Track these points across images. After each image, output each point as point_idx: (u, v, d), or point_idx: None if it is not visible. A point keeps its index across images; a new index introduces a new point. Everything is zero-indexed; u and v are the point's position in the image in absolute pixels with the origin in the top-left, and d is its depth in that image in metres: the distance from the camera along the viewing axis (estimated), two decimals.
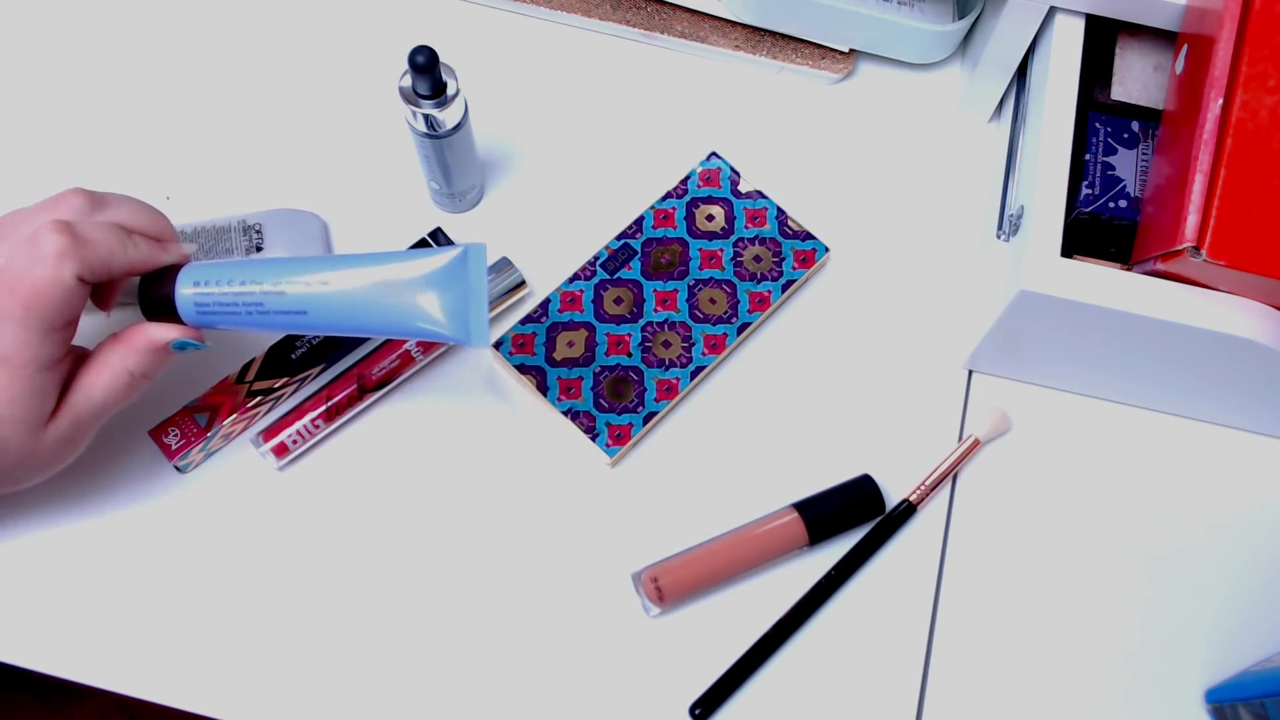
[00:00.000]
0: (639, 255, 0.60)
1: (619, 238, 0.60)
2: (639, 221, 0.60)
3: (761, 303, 0.59)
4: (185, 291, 0.46)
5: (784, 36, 0.66)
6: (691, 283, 0.59)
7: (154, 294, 0.46)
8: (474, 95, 0.65)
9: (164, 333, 0.46)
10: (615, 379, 0.57)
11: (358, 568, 0.54)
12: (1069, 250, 0.55)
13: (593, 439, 0.56)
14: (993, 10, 0.59)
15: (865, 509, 0.55)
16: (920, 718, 0.53)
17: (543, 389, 0.56)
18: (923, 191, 0.64)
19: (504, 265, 0.58)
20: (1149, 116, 0.57)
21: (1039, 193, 0.53)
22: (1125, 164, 0.56)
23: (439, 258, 0.45)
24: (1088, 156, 0.56)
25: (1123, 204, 0.55)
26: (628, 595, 0.54)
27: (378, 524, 0.55)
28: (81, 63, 0.64)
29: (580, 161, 0.64)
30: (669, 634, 0.54)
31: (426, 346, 0.57)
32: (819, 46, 0.66)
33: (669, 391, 0.57)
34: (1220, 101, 0.49)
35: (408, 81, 0.52)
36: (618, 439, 0.56)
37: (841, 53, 0.66)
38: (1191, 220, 0.48)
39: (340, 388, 0.55)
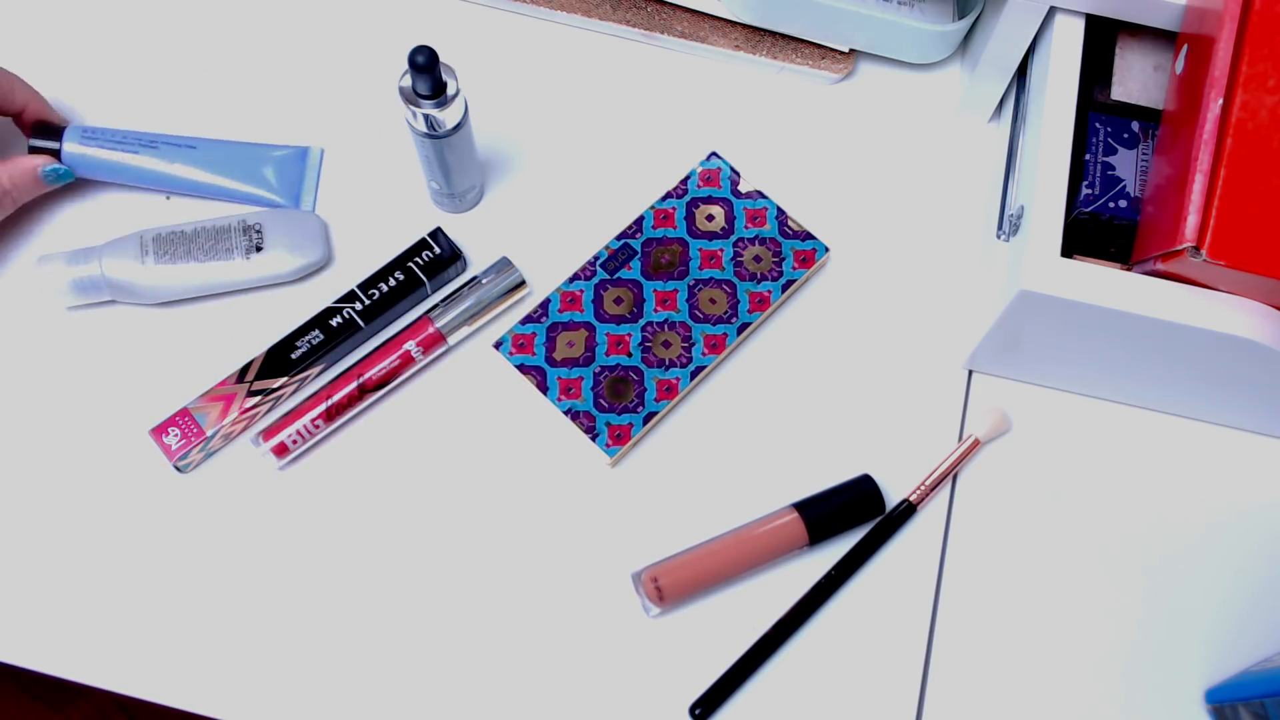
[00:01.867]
0: (639, 255, 0.60)
1: (619, 238, 0.60)
2: (639, 221, 0.60)
3: (761, 303, 0.59)
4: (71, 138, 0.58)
5: (784, 36, 0.66)
6: (691, 283, 0.59)
7: (43, 127, 0.58)
8: (474, 95, 0.65)
9: (40, 158, 0.56)
10: (615, 379, 0.57)
11: (358, 568, 0.54)
12: (1069, 250, 0.55)
13: (593, 439, 0.56)
14: (993, 10, 0.60)
15: (865, 509, 0.55)
16: (920, 718, 0.53)
17: (543, 389, 0.56)
18: (923, 191, 0.64)
19: (504, 265, 0.58)
20: (1149, 116, 0.57)
21: (1039, 193, 0.53)
22: (1125, 164, 0.56)
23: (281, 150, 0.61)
24: (1088, 156, 0.56)
25: (1123, 204, 0.55)
26: (628, 595, 0.54)
27: (378, 524, 0.55)
28: (83, 62, 0.64)
29: (580, 161, 0.64)
30: (669, 634, 0.54)
31: (426, 346, 0.57)
32: (819, 46, 0.66)
33: (669, 391, 0.57)
34: (1220, 101, 0.49)
35: (408, 81, 0.52)
36: (618, 439, 0.56)
37: (841, 53, 0.66)
38: (1191, 220, 0.48)
39: (340, 387, 0.55)
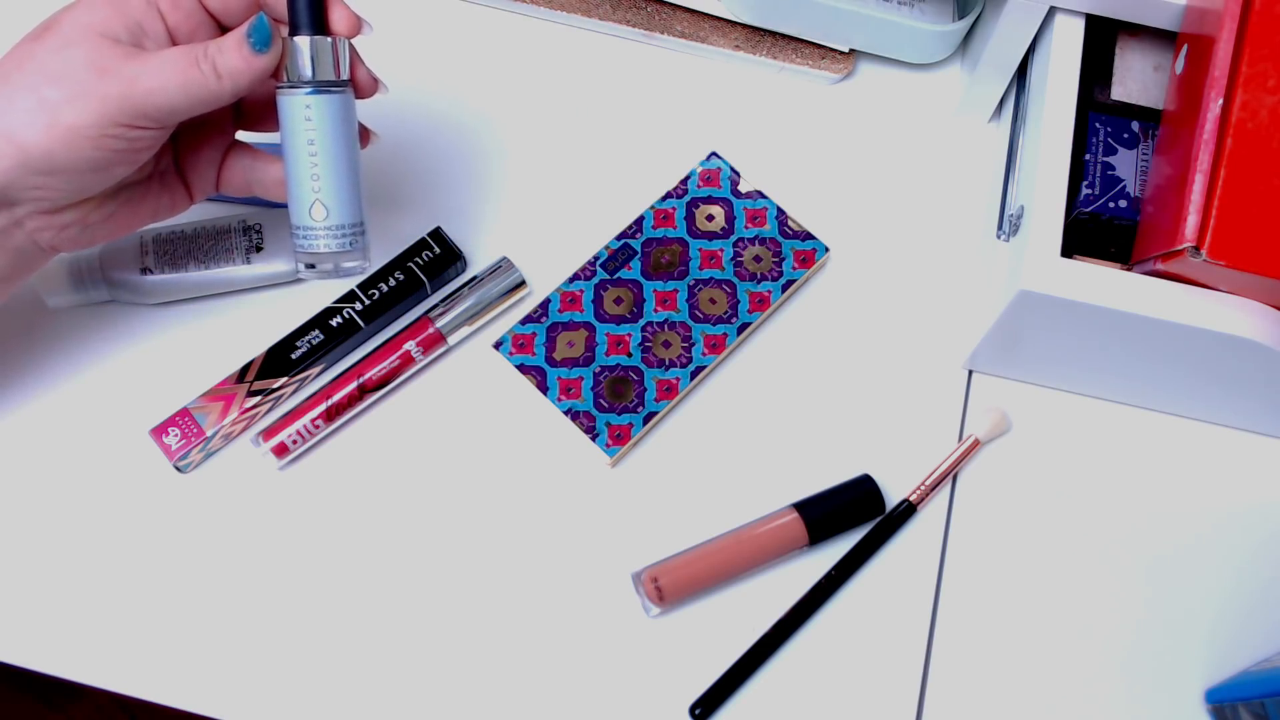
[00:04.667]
0: (639, 255, 0.60)
1: (619, 238, 0.60)
2: (639, 221, 0.60)
3: (761, 303, 0.59)
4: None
5: (784, 36, 0.66)
6: (691, 283, 0.59)
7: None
8: (474, 95, 0.65)
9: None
10: (615, 379, 0.57)
11: (358, 568, 0.54)
12: (1069, 250, 0.55)
13: (593, 439, 0.56)
14: (993, 10, 0.60)
15: (865, 509, 0.55)
16: (920, 718, 0.53)
17: (543, 389, 0.56)
18: (923, 191, 0.64)
19: (504, 265, 0.58)
20: (1149, 116, 0.57)
21: (1039, 193, 0.53)
22: (1125, 164, 0.56)
23: None
24: (1088, 156, 0.56)
25: (1123, 204, 0.55)
26: (628, 595, 0.54)
27: (378, 524, 0.55)
28: None
29: (580, 161, 0.64)
30: (669, 634, 0.54)
31: (426, 346, 0.57)
32: (819, 46, 0.66)
33: (669, 391, 0.57)
34: (1220, 101, 0.49)
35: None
36: (618, 439, 0.56)
37: (841, 53, 0.66)
38: (1191, 220, 0.48)
39: (340, 387, 0.55)
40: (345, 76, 0.46)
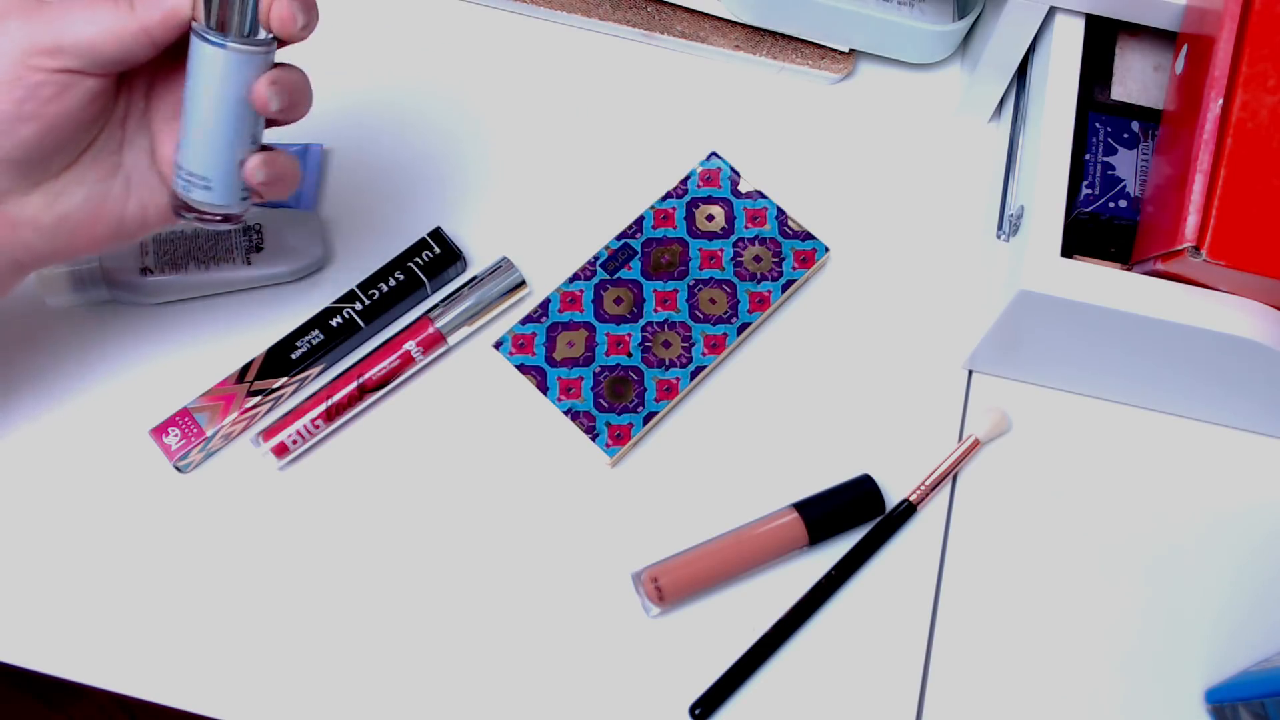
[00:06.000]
0: (639, 255, 0.60)
1: (619, 238, 0.60)
2: (639, 221, 0.60)
3: (761, 303, 0.59)
4: None
5: (784, 36, 0.66)
6: (691, 283, 0.59)
7: None
8: (474, 95, 0.65)
9: None
10: (615, 379, 0.57)
11: (358, 568, 0.54)
12: (1069, 250, 0.55)
13: (593, 439, 0.56)
14: (993, 10, 0.60)
15: (865, 509, 0.55)
16: (920, 718, 0.53)
17: (543, 389, 0.56)
18: (923, 191, 0.64)
19: (504, 265, 0.58)
20: (1149, 116, 0.57)
21: (1039, 193, 0.53)
22: (1125, 164, 0.56)
23: None
24: (1088, 156, 0.56)
25: (1123, 204, 0.55)
26: (628, 595, 0.54)
27: (378, 524, 0.55)
28: None
29: (580, 161, 0.64)
30: (669, 634, 0.54)
31: (426, 346, 0.57)
32: (819, 46, 0.66)
33: (669, 391, 0.57)
34: (1220, 101, 0.49)
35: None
36: (618, 439, 0.56)
37: (841, 53, 0.66)
38: (1191, 220, 0.48)
39: (340, 387, 0.55)
40: (263, 36, 0.43)
